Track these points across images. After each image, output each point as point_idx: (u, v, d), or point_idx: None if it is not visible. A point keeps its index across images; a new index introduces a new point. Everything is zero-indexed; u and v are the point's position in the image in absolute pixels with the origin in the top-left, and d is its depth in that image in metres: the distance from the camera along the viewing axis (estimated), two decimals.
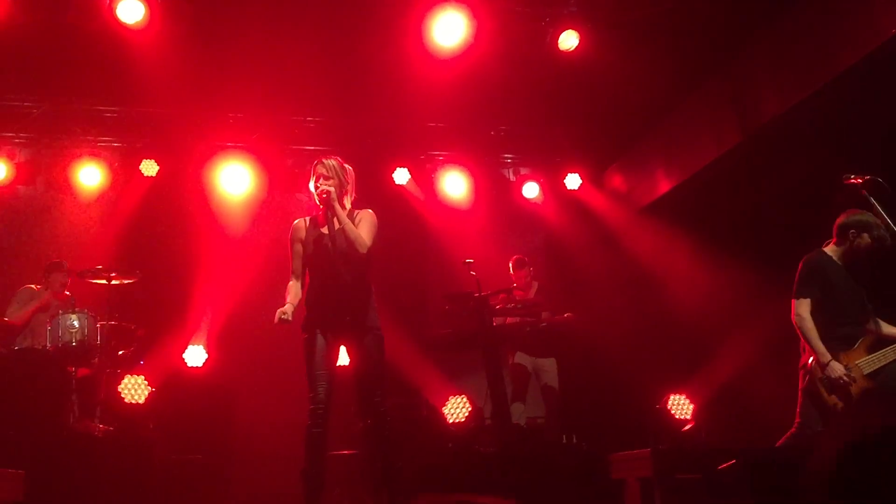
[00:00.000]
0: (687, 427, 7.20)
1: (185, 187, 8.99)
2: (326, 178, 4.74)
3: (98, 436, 6.24)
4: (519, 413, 7.46)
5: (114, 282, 6.97)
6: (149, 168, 8.80)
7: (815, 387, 5.01)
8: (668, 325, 8.36)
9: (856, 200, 5.04)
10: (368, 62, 7.69)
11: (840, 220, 5.27)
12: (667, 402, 7.33)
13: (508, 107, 8.82)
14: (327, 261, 4.67)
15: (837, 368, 4.92)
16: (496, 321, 7.37)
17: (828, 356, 4.95)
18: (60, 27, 6.84)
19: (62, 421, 6.14)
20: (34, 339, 6.86)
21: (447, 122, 9.32)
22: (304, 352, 4.66)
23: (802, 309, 5.10)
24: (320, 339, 4.64)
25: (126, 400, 6.75)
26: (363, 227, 4.73)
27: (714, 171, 7.84)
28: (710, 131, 7.76)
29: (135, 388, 6.80)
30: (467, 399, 7.26)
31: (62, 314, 6.62)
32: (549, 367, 7.62)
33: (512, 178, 10.07)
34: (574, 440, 6.91)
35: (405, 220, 9.33)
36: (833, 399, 4.95)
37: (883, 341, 5.08)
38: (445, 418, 7.13)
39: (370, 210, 4.86)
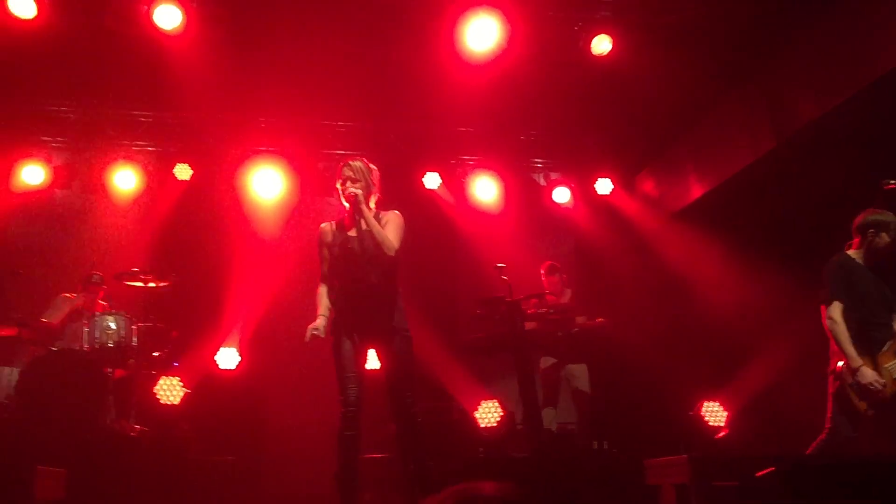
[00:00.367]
0: (720, 434, 7.13)
1: (219, 191, 9.08)
2: (354, 181, 4.75)
3: (134, 436, 6.32)
4: (550, 418, 7.43)
5: (149, 284, 7.05)
6: (183, 172, 8.90)
7: (845, 392, 4.96)
8: (700, 332, 8.29)
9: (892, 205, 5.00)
10: (400, 67, 7.72)
11: (858, 220, 5.23)
12: (700, 409, 7.26)
13: (539, 111, 8.81)
14: (354, 264, 4.69)
15: (868, 374, 4.87)
16: (528, 326, 7.36)
17: (859, 361, 4.90)
18: (98, 32, 6.94)
19: (100, 421, 6.22)
20: (72, 341, 6.95)
21: (478, 126, 9.33)
22: (333, 355, 4.69)
23: (835, 313, 5.04)
24: (348, 342, 4.66)
25: (161, 401, 6.82)
26: (390, 228, 4.73)
27: (748, 176, 7.76)
28: (744, 136, 7.69)
29: (170, 390, 6.87)
30: (499, 404, 7.24)
31: (99, 316, 6.73)
32: (580, 373, 7.59)
33: (543, 182, 10.05)
34: (605, 446, 6.88)
35: (436, 224, 9.34)
36: (863, 405, 4.90)
37: None
38: (477, 423, 7.12)
39: (397, 211, 4.86)
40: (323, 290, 4.82)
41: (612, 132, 9.12)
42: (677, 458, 4.38)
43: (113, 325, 6.65)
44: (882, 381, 4.88)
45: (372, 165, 4.91)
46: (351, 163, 4.83)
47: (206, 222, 8.90)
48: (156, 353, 7.07)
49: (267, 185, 9.11)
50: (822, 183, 7.08)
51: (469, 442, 6.84)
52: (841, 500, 3.62)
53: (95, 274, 7.36)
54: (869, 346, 5.00)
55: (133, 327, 6.81)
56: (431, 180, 9.52)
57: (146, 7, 6.68)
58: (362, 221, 4.72)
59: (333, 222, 4.92)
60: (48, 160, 8.80)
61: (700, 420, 7.23)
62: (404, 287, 4.89)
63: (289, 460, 7.34)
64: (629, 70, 7.40)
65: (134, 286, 7.12)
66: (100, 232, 8.85)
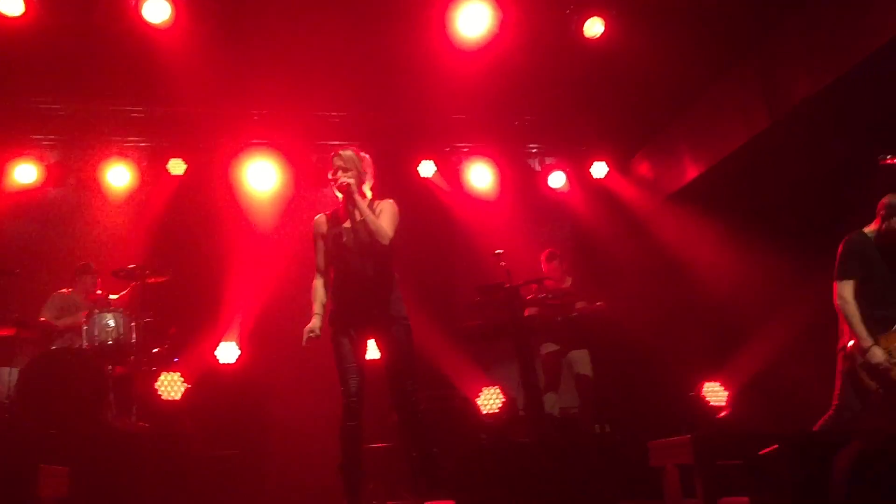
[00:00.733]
0: (722, 414, 7.16)
1: (213, 185, 9.03)
2: (345, 170, 4.74)
3: (136, 432, 6.31)
4: (552, 403, 7.45)
5: (148, 280, 7.03)
6: (176, 167, 8.86)
7: (854, 371, 4.97)
8: (699, 312, 8.30)
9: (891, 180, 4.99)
10: (392, 55, 7.69)
11: (882, 200, 5.20)
12: (701, 390, 7.28)
13: (533, 96, 8.78)
14: (350, 254, 4.68)
15: (879, 353, 4.87)
16: (528, 311, 7.36)
17: (869, 341, 4.90)
18: (86, 28, 6.90)
19: (101, 418, 6.21)
20: (71, 339, 6.94)
21: (472, 113, 9.30)
22: (333, 347, 4.68)
23: (846, 291, 5.04)
24: (347, 334, 4.66)
25: (163, 397, 6.82)
26: (384, 217, 4.71)
27: (743, 156, 7.75)
28: (738, 116, 7.68)
29: (171, 385, 6.86)
30: (500, 390, 7.25)
31: (98, 313, 6.70)
32: (581, 358, 7.60)
33: (538, 168, 10.03)
34: (607, 429, 6.90)
35: (432, 212, 9.32)
36: (874, 384, 4.90)
37: None
38: (479, 409, 7.13)
39: (391, 200, 4.84)
40: (318, 283, 4.81)
41: (607, 115, 9.10)
42: (680, 439, 4.38)
43: (112, 323, 6.63)
44: (893, 360, 4.88)
45: (364, 154, 4.88)
46: (341, 152, 4.81)
47: (202, 217, 8.86)
48: (155, 350, 7.06)
49: (261, 177, 9.08)
50: (819, 161, 7.08)
51: (472, 429, 6.85)
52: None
53: (90, 263, 7.34)
54: (879, 325, 5.00)
55: (132, 324, 6.78)
56: (426, 168, 9.50)
57: (134, 1, 6.63)
58: (356, 212, 4.70)
59: (327, 213, 4.90)
60: (41, 159, 8.74)
61: (701, 400, 7.25)
62: (402, 276, 4.88)
63: (292, 452, 7.34)
64: (622, 52, 7.39)
65: (131, 282, 7.10)
66: (95, 229, 8.79)
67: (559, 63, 7.85)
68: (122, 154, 8.89)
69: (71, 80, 7.99)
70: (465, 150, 9.80)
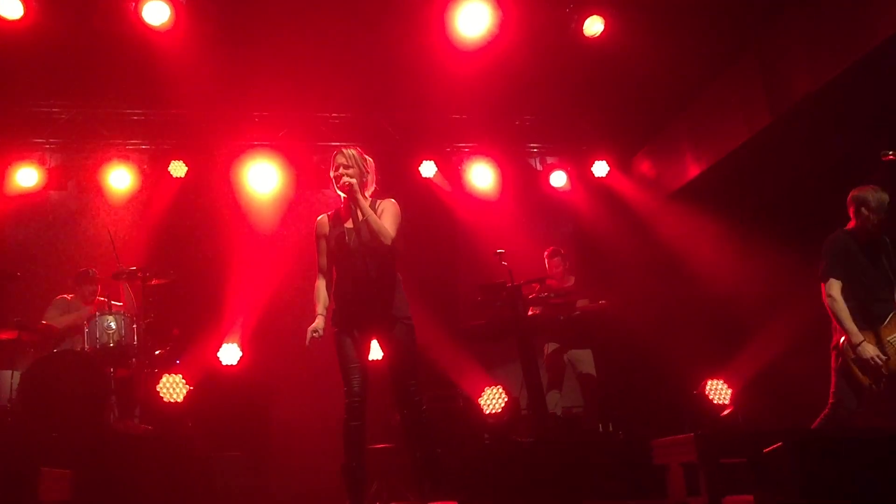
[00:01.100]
0: (725, 412, 7.14)
1: (214, 187, 9.04)
2: (346, 167, 4.70)
3: (138, 435, 6.31)
4: (555, 402, 7.43)
5: (149, 283, 7.02)
6: (177, 169, 8.86)
7: (848, 367, 5.00)
8: (702, 311, 8.28)
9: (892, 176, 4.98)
10: (392, 56, 7.68)
11: (849, 197, 5.25)
12: (704, 388, 7.26)
13: (534, 96, 8.78)
14: (352, 254, 4.66)
15: (869, 349, 4.91)
16: (529, 311, 7.35)
17: (860, 337, 4.93)
18: (86, 31, 6.90)
19: (103, 421, 6.21)
20: (72, 342, 6.94)
21: (472, 113, 9.30)
22: (336, 347, 4.67)
23: (833, 290, 5.08)
24: (350, 334, 4.64)
25: (165, 399, 6.81)
26: (386, 217, 4.68)
27: (745, 154, 7.73)
28: (740, 113, 7.66)
29: (173, 387, 6.86)
30: (503, 390, 7.23)
31: (99, 316, 6.70)
32: (584, 357, 7.58)
33: (539, 167, 10.02)
34: (611, 428, 6.88)
35: (433, 213, 9.32)
36: (867, 379, 4.92)
37: None
38: (482, 409, 7.11)
39: (392, 199, 4.82)
40: (321, 284, 4.79)
41: (607, 114, 9.10)
42: (684, 437, 4.37)
43: (113, 325, 6.62)
44: (883, 356, 4.90)
45: (368, 157, 4.87)
46: (344, 150, 4.78)
47: (203, 219, 8.87)
48: (157, 352, 7.05)
49: (262, 179, 9.07)
50: (821, 157, 7.07)
51: (475, 429, 6.83)
52: (849, 473, 3.62)
53: (89, 270, 7.34)
54: (871, 321, 5.02)
55: (133, 326, 6.78)
56: (427, 169, 9.49)
57: (134, 4, 6.63)
58: (358, 211, 4.70)
59: (329, 214, 4.89)
60: (42, 162, 8.75)
61: (705, 398, 7.23)
62: (404, 276, 4.86)
63: (295, 453, 7.34)
64: (622, 51, 7.37)
65: (132, 285, 7.10)
66: (96, 232, 8.80)
67: (559, 62, 7.83)
68: (124, 157, 8.89)
69: (71, 83, 8.00)
70: (466, 150, 9.79)
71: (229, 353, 8.21)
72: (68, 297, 7.30)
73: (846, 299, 5.06)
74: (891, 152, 4.87)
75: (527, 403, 6.90)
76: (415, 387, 4.64)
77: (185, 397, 6.91)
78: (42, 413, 6.00)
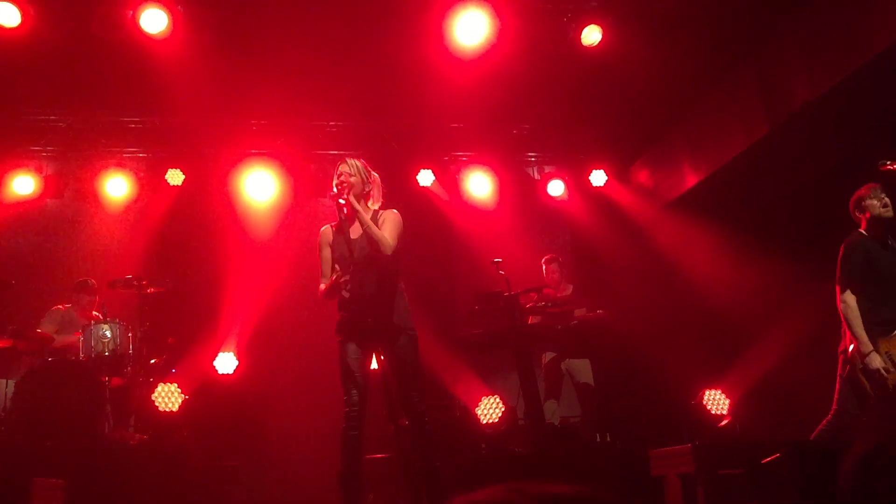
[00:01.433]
0: (723, 422, 7.11)
1: (211, 195, 9.02)
2: (349, 175, 4.70)
3: (133, 444, 6.27)
4: (552, 411, 7.40)
5: (145, 291, 7.00)
6: (174, 177, 8.84)
7: (855, 375, 4.96)
8: (700, 320, 8.26)
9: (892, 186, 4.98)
10: (390, 64, 7.68)
11: (851, 203, 5.27)
12: (702, 398, 7.24)
13: (531, 105, 8.77)
14: (354, 265, 4.65)
15: (876, 360, 4.87)
16: (531, 320, 7.33)
17: (869, 346, 4.89)
18: (83, 39, 6.88)
19: (98, 430, 6.17)
20: (67, 351, 6.90)
21: (470, 122, 9.29)
22: (338, 355, 4.65)
23: (848, 295, 5.04)
24: (353, 344, 4.63)
25: (160, 408, 6.78)
26: (387, 227, 4.68)
27: (743, 163, 7.72)
28: (738, 122, 7.66)
29: (168, 397, 6.83)
30: (500, 399, 7.20)
31: (94, 325, 6.67)
32: (582, 366, 7.56)
33: (537, 176, 10.02)
34: (609, 438, 6.85)
35: (431, 221, 9.30)
36: (874, 388, 4.89)
37: None
38: (479, 419, 7.08)
39: (394, 210, 4.81)
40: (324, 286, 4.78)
41: (605, 123, 9.09)
42: (681, 448, 4.35)
43: (108, 334, 6.59)
44: (890, 367, 4.87)
45: (373, 171, 4.86)
46: (348, 160, 4.79)
47: (200, 227, 8.85)
48: (153, 361, 7.02)
49: (259, 187, 9.05)
50: (819, 166, 7.06)
51: (471, 438, 6.80)
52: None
53: (88, 280, 7.31)
54: (880, 329, 4.98)
55: (129, 335, 6.75)
56: (425, 177, 9.47)
57: (131, 11, 6.62)
58: (358, 222, 4.68)
59: (333, 224, 4.88)
60: (38, 170, 8.73)
61: (703, 409, 7.21)
62: (403, 285, 4.85)
63: (291, 462, 7.29)
64: (620, 60, 7.37)
65: (129, 293, 7.07)
66: (93, 241, 8.79)
67: (557, 71, 7.83)
68: (121, 165, 8.88)
69: (68, 90, 7.99)
70: (464, 158, 9.78)
71: (225, 362, 8.17)
72: (63, 307, 7.27)
73: (859, 303, 5.02)
74: (888, 162, 4.86)
75: (524, 413, 6.87)
76: (419, 398, 4.64)
77: (180, 406, 6.88)
78: (36, 422, 5.96)
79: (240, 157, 9.09)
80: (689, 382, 7.50)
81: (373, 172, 4.86)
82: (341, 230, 4.79)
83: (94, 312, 7.22)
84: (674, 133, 8.92)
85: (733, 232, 7.83)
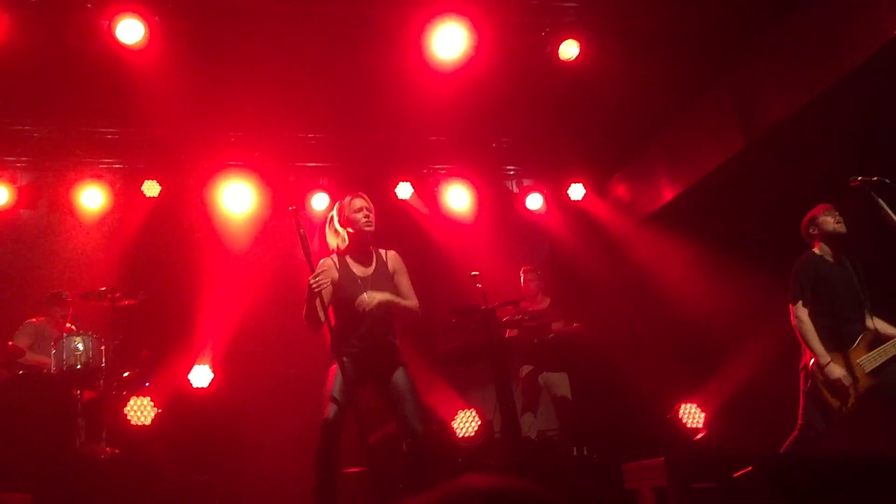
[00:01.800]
0: (699, 436, 7.13)
1: (188, 207, 8.95)
2: (370, 211, 4.79)
3: (104, 458, 6.19)
4: (529, 424, 7.39)
5: (118, 303, 6.93)
6: (151, 189, 8.79)
7: (817, 389, 5.01)
8: (676, 334, 8.29)
9: (863, 202, 5.03)
10: (369, 77, 7.66)
11: (801, 229, 5.44)
12: (678, 412, 7.25)
13: (510, 118, 8.79)
14: (364, 310, 4.61)
15: (836, 370, 4.93)
16: (508, 333, 7.33)
17: (827, 358, 4.96)
18: (60, 49, 6.81)
19: (68, 444, 6.09)
20: (40, 364, 6.80)
21: (449, 135, 9.30)
22: (330, 372, 4.61)
23: (799, 311, 5.14)
24: (349, 370, 4.59)
25: (132, 422, 6.70)
26: (404, 282, 4.81)
27: (719, 178, 7.80)
28: (714, 137, 7.73)
29: (141, 410, 6.76)
30: (476, 413, 7.18)
31: (66, 337, 6.59)
32: (560, 380, 7.56)
33: (515, 189, 10.05)
34: (585, 452, 6.84)
35: (409, 234, 9.28)
36: (836, 402, 4.94)
37: (882, 339, 5.07)
38: (455, 433, 7.05)
39: (396, 255, 4.90)
40: None
41: (584, 137, 9.12)
42: (654, 462, 4.33)
43: (81, 347, 6.51)
44: (852, 374, 4.92)
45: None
46: (363, 195, 4.87)
47: (176, 239, 8.77)
48: (126, 374, 6.95)
49: (237, 199, 9.00)
50: (794, 182, 7.12)
51: (448, 452, 6.77)
52: (819, 498, 3.61)
53: (62, 293, 7.23)
54: (840, 343, 5.05)
55: (101, 348, 6.68)
56: (404, 190, 9.48)
57: (108, 22, 6.57)
58: (374, 261, 4.76)
59: (335, 256, 4.83)
60: (13, 181, 8.64)
61: (678, 422, 7.22)
62: None
63: (265, 477, 7.23)
64: (598, 75, 7.40)
65: (102, 306, 6.99)
66: (67, 252, 8.68)
67: (535, 85, 7.86)
68: (96, 176, 8.80)
69: (44, 100, 7.89)
70: (443, 171, 9.80)
71: (200, 375, 8.10)
72: (37, 321, 7.18)
73: (815, 319, 5.10)
74: (859, 178, 4.91)
75: (500, 426, 6.85)
76: (422, 429, 4.66)
77: (153, 420, 6.80)
78: (7, 435, 5.87)
79: (217, 169, 9.03)
80: (665, 396, 7.52)
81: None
82: (346, 265, 4.76)
83: (67, 325, 7.13)
84: (651, 147, 8.98)
85: (710, 246, 7.87)
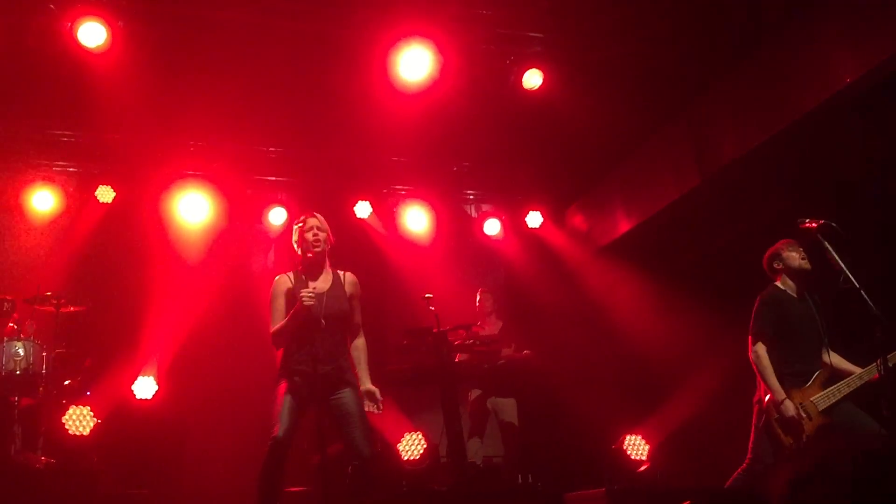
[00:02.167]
0: (642, 468, 7.17)
1: (142, 215, 8.82)
2: (320, 230, 4.79)
3: (40, 468, 6.03)
4: (476, 449, 7.38)
5: (63, 309, 6.78)
6: (105, 194, 8.65)
7: (771, 424, 5.06)
8: (624, 365, 8.37)
9: (810, 244, 5.14)
10: (332, 94, 7.66)
11: (764, 260, 5.45)
12: (623, 442, 7.30)
13: (472, 143, 8.84)
14: (316, 317, 4.60)
15: (790, 408, 4.99)
16: (458, 357, 7.32)
17: (782, 394, 5.01)
18: (19, 49, 6.71)
19: (3, 452, 5.94)
20: None
21: (410, 156, 9.31)
22: (279, 390, 4.58)
23: (759, 346, 5.18)
24: (296, 390, 4.57)
25: (70, 431, 6.53)
26: (357, 313, 4.88)
27: (673, 213, 7.92)
28: (669, 173, 7.86)
29: (79, 420, 6.59)
30: (423, 436, 7.15)
31: (7, 341, 6.44)
32: (508, 406, 7.58)
33: (474, 214, 10.10)
34: (530, 479, 6.84)
35: (366, 254, 9.25)
36: (788, 439, 4.99)
37: (837, 376, 5.15)
38: (400, 455, 7.01)
39: (354, 278, 4.90)
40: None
41: (543, 166, 9.21)
42: (595, 492, 4.37)
43: (21, 352, 6.36)
44: (805, 412, 4.99)
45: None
46: (316, 214, 4.87)
47: (128, 247, 8.64)
48: (67, 382, 6.79)
49: (193, 209, 8.88)
50: (745, 220, 7.28)
51: (392, 475, 6.72)
52: None
53: (5, 300, 7.04)
54: (796, 379, 5.11)
55: (43, 354, 6.53)
56: (362, 209, 9.45)
57: (69, 24, 6.48)
58: (326, 276, 4.76)
59: (291, 273, 4.84)
60: None
61: (623, 453, 7.26)
62: None
63: (205, 493, 7.11)
64: (560, 105, 7.50)
65: (46, 311, 6.84)
66: (14, 254, 8.50)
67: (498, 112, 7.91)
68: (49, 178, 8.64)
69: None
70: (403, 192, 9.80)
71: (144, 387, 7.94)
72: None
73: (772, 355, 5.16)
74: (807, 220, 5.02)
75: (447, 451, 6.82)
76: (369, 452, 4.62)
77: (91, 430, 6.63)
78: None
79: (174, 178, 8.91)
80: (611, 426, 7.56)
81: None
82: (301, 282, 4.75)
83: (10, 325, 6.97)
84: (609, 179, 9.10)
85: (662, 279, 7.99)
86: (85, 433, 6.58)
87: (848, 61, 5.79)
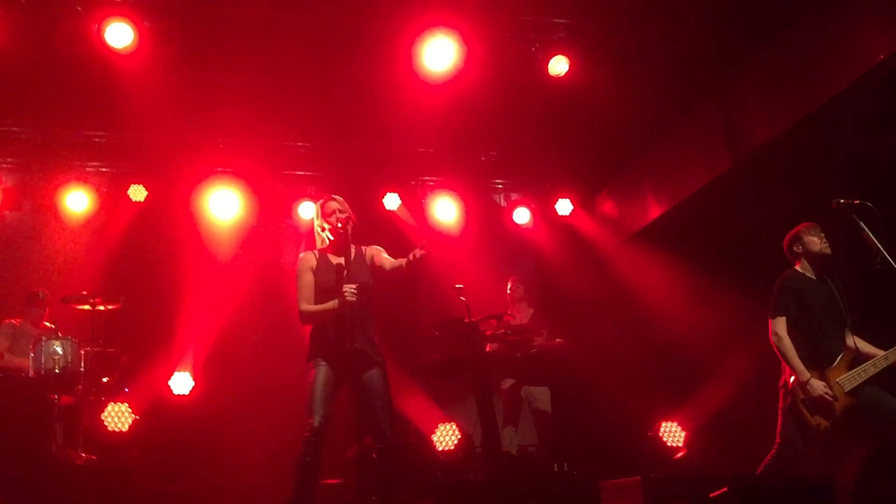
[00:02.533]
0: (679, 454, 7.12)
1: (174, 212, 8.92)
2: (342, 212, 4.86)
3: (80, 464, 6.13)
4: (510, 438, 7.37)
5: (99, 307, 6.89)
6: (137, 193, 8.76)
7: (797, 406, 5.01)
8: (659, 352, 8.30)
9: (846, 224, 5.06)
10: (359, 87, 7.67)
11: (784, 245, 5.41)
12: (658, 430, 7.25)
13: (499, 132, 8.81)
14: (341, 291, 4.62)
15: (818, 386, 4.94)
16: (487, 347, 7.31)
17: (807, 374, 4.96)
18: (48, 52, 6.79)
19: (44, 449, 6.04)
20: (18, 367, 6.74)
21: (438, 147, 9.30)
22: (312, 378, 4.63)
23: (779, 328, 5.14)
24: (328, 370, 4.63)
25: (109, 428, 6.65)
26: (386, 256, 4.93)
27: (704, 197, 7.82)
28: (700, 157, 7.76)
29: (118, 416, 6.70)
30: (457, 426, 7.16)
31: (45, 340, 6.53)
32: (541, 394, 7.56)
33: (503, 203, 10.06)
34: (565, 468, 6.83)
35: (395, 246, 9.20)
36: (816, 419, 4.95)
37: (861, 358, 5.08)
38: (435, 446, 7.03)
39: (374, 247, 5.00)
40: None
41: (572, 153, 9.15)
42: (630, 480, 4.34)
43: (59, 350, 6.46)
44: (832, 392, 4.93)
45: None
46: (336, 197, 4.95)
47: (161, 244, 8.74)
48: (105, 379, 6.89)
49: (224, 205, 8.95)
50: (778, 203, 7.15)
51: (427, 465, 6.75)
52: None
53: (39, 292, 7.18)
54: (819, 361, 5.06)
55: (81, 352, 6.63)
56: (391, 201, 9.46)
57: (97, 25, 6.55)
58: (351, 252, 4.78)
59: (315, 252, 4.92)
60: None
61: (659, 440, 7.22)
62: None
63: (243, 486, 7.17)
64: (587, 91, 7.44)
65: (83, 310, 6.95)
66: (50, 254, 8.64)
67: (525, 99, 7.88)
68: (82, 179, 8.76)
69: (31, 102, 7.86)
70: (431, 183, 9.79)
71: (181, 382, 8.04)
72: (16, 322, 7.14)
73: (795, 337, 5.10)
74: (842, 200, 4.95)
75: (481, 441, 6.83)
76: (389, 430, 4.67)
77: (130, 427, 6.74)
78: None
79: (205, 175, 9.00)
80: (646, 413, 7.52)
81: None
82: (326, 258, 4.82)
83: (45, 323, 7.09)
84: (638, 165, 9.01)
85: (694, 264, 7.90)
86: (124, 429, 6.69)
87: (879, 37, 5.66)
